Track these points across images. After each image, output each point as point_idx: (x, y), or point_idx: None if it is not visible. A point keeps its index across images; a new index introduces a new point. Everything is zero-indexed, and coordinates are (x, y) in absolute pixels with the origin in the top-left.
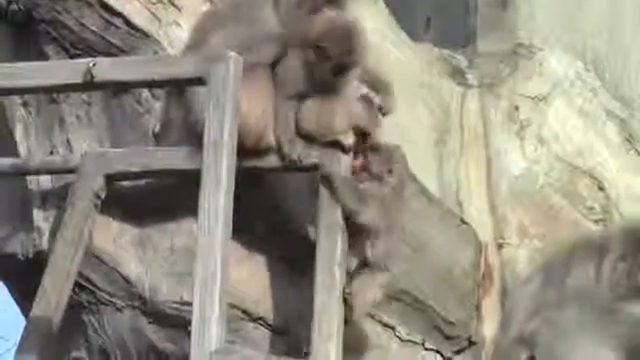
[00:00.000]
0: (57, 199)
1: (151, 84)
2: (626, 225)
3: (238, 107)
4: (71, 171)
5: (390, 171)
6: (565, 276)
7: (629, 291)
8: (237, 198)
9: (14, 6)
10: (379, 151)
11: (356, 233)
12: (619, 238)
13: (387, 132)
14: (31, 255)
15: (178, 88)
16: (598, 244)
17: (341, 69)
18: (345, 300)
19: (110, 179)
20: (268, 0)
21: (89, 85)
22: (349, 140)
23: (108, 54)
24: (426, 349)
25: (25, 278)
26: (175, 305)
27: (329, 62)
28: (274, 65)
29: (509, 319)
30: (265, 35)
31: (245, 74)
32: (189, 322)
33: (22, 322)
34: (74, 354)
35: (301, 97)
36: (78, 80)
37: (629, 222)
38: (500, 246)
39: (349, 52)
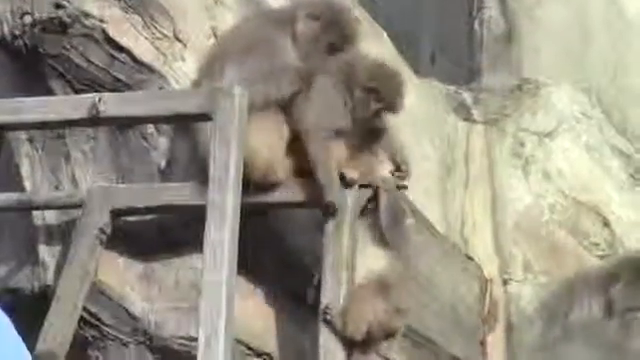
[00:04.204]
0: (63, 234)
1: (157, 120)
2: (630, 255)
3: (244, 142)
4: (77, 206)
5: None
6: (569, 312)
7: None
8: (242, 233)
9: (19, 41)
10: None
11: None
12: (625, 268)
13: None
14: (37, 290)
15: (184, 124)
16: (602, 276)
17: (387, 110)
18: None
19: (116, 214)
20: (287, 35)
21: (95, 120)
22: (354, 174)
23: (113, 89)
24: None
25: (30, 313)
26: (181, 340)
27: (380, 103)
28: (290, 99)
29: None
30: (284, 68)
31: (257, 107)
32: (195, 357)
33: (27, 357)
34: None
35: (338, 135)
36: (84, 115)
37: (632, 253)
38: (505, 281)
39: (399, 95)
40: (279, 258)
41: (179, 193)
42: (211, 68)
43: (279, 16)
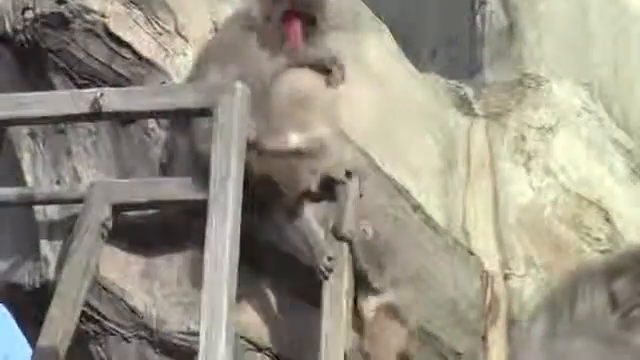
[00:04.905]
0: (64, 229)
1: (158, 115)
2: (634, 249)
3: (245, 137)
4: (78, 201)
5: None
6: (571, 306)
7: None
8: (244, 229)
9: (21, 36)
10: None
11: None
12: (630, 262)
13: (393, 163)
14: (38, 285)
15: (185, 118)
16: (606, 270)
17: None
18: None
19: (117, 209)
20: (251, 33)
21: (97, 115)
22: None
23: (115, 84)
24: None
25: (32, 308)
26: (182, 335)
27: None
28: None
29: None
30: (254, 68)
31: None
32: (196, 352)
33: (28, 352)
34: None
35: None
36: (86, 110)
37: (636, 247)
38: (506, 276)
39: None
40: (281, 253)
41: (181, 188)
42: (199, 69)
43: (245, 19)
